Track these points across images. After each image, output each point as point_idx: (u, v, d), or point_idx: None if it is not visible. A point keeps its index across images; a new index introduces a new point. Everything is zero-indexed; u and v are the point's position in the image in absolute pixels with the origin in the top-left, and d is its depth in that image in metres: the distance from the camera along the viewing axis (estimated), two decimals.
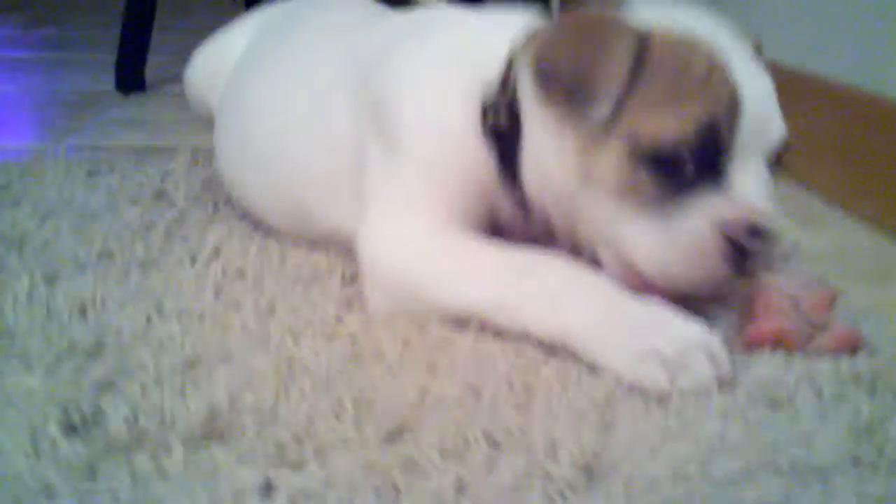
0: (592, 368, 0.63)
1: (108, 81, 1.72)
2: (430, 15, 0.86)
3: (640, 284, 0.67)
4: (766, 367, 0.64)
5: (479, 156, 0.75)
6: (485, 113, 0.74)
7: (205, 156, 1.18)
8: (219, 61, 1.10)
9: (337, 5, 1.07)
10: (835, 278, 0.86)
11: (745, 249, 0.64)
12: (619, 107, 0.66)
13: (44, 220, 0.92)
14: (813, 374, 0.62)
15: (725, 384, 0.61)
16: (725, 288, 0.66)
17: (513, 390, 0.61)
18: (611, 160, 0.67)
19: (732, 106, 0.66)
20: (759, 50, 0.74)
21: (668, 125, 0.65)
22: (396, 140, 0.76)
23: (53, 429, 0.54)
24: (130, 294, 0.76)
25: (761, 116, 0.68)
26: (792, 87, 1.23)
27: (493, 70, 0.75)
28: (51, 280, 0.78)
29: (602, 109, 0.66)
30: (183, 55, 1.18)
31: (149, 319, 0.71)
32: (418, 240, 0.73)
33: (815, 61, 1.22)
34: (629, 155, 0.66)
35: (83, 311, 0.72)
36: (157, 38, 1.90)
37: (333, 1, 1.09)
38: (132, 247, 0.86)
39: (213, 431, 0.55)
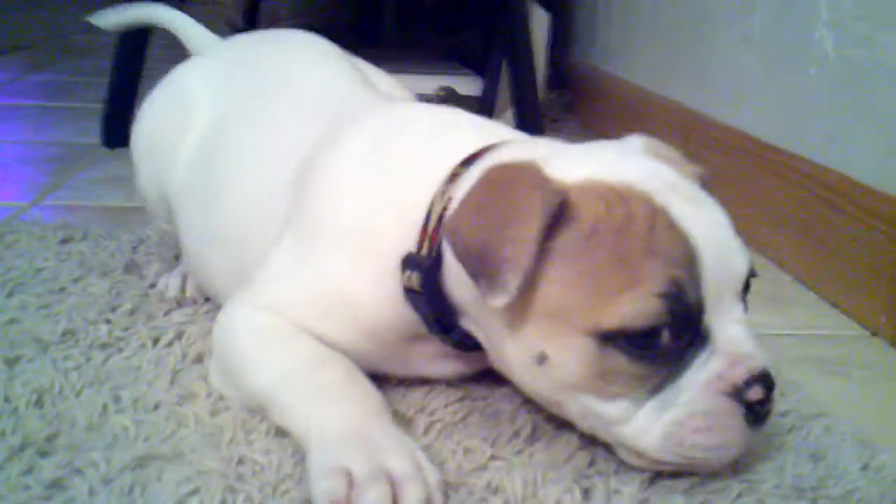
0: None
1: (96, 133, 1.73)
2: (389, 116, 0.79)
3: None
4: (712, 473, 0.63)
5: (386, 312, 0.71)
6: (403, 268, 0.69)
7: None
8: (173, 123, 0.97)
9: (309, 62, 0.96)
10: (793, 366, 0.86)
11: (752, 401, 0.59)
12: (534, 277, 0.59)
13: (11, 296, 0.93)
14: (756, 485, 0.62)
15: None
16: (746, 444, 0.61)
17: None
18: (571, 354, 0.60)
19: (690, 258, 0.58)
20: (701, 177, 0.67)
21: (630, 304, 0.57)
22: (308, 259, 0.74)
23: None
24: (89, 380, 0.76)
25: (723, 255, 0.60)
26: (763, 161, 1.25)
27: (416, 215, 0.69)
28: (12, 363, 0.78)
29: (509, 288, 0.58)
30: None
31: (105, 409, 0.71)
32: (254, 328, 0.73)
33: (786, 137, 1.23)
34: (596, 345, 0.59)
35: (40, 400, 0.72)
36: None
37: (304, 52, 0.99)
38: (96, 326, 0.86)
39: None
